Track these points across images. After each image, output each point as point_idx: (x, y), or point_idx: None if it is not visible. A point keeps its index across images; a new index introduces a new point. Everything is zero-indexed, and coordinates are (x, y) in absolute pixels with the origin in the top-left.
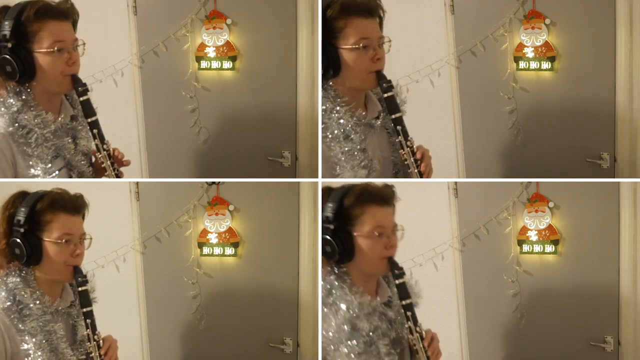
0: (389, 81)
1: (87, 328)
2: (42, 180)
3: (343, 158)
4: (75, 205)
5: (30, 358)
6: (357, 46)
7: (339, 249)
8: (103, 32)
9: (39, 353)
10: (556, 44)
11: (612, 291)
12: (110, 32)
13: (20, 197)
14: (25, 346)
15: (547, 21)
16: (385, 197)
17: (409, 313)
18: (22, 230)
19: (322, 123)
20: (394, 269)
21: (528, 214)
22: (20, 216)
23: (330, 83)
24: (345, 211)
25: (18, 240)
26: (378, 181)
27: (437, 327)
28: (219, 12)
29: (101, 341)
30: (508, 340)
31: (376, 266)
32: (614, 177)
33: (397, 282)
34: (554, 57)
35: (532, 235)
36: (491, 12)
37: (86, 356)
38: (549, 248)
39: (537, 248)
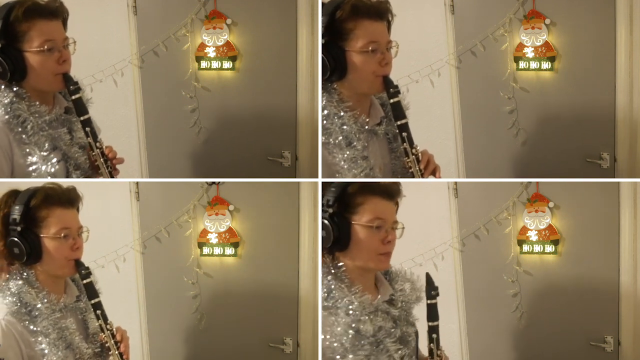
0: (396, 86)
1: (98, 319)
2: (41, 180)
3: (345, 166)
4: (69, 198)
5: (47, 358)
6: (365, 49)
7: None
8: (103, 32)
9: (55, 351)
10: (556, 44)
11: (612, 291)
12: (110, 32)
13: (13, 195)
14: (41, 346)
15: (547, 21)
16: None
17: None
18: (18, 229)
19: (325, 128)
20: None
21: (528, 214)
22: (15, 215)
23: (335, 86)
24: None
25: (16, 240)
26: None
27: None
28: (219, 12)
29: (114, 329)
30: (508, 340)
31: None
32: (614, 177)
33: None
34: (554, 57)
35: (532, 235)
36: (491, 12)
37: (101, 348)
38: (549, 248)
39: (537, 248)
